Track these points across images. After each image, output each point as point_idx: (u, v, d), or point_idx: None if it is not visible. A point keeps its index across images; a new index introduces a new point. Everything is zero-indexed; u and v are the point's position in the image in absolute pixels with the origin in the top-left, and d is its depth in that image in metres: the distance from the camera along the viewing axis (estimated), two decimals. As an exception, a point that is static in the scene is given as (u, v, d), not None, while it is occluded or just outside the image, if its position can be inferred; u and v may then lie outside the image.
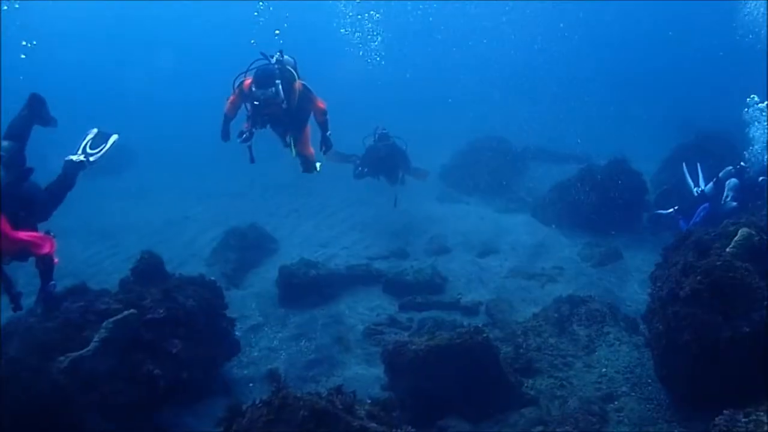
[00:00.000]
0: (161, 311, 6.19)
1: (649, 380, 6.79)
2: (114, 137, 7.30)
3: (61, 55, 36.89)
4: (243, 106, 8.43)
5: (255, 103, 8.02)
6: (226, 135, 8.68)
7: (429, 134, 21.20)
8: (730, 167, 10.94)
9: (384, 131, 13.12)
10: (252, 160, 8.64)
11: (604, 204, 12.83)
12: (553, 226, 13.33)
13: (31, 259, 5.89)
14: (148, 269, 7.12)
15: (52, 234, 5.95)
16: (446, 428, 5.88)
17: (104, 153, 7.13)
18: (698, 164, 12.15)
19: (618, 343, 7.58)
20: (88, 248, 14.29)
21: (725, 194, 10.55)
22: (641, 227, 13.02)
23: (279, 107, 8.02)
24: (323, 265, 10.78)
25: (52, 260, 5.89)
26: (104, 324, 5.68)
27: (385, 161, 13.01)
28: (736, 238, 6.03)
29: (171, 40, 42.51)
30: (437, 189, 17.28)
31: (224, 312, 7.43)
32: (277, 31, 14.64)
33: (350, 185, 14.35)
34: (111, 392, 5.51)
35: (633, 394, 6.66)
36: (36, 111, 6.39)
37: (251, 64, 8.24)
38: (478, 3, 34.54)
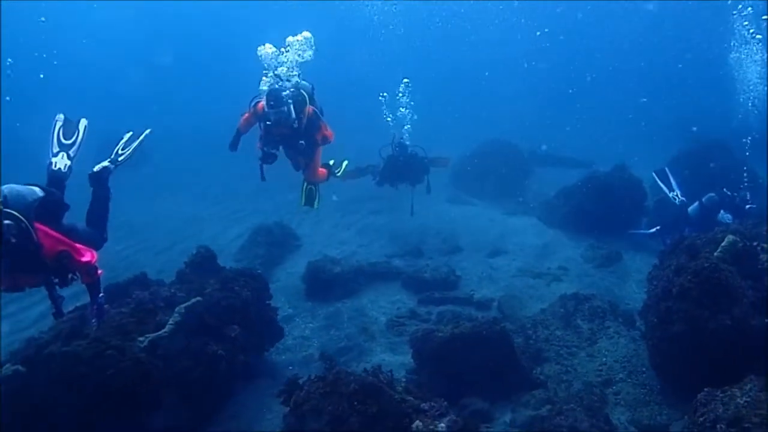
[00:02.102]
0: (222, 299, 7.08)
1: (644, 369, 7.67)
2: (147, 132, 6.85)
3: (79, 53, 37.59)
4: (257, 125, 8.66)
5: (267, 122, 8.27)
6: (234, 147, 8.86)
7: (439, 137, 21.91)
8: (713, 194, 11.26)
9: (401, 140, 13.08)
10: (263, 178, 8.90)
11: (606, 209, 13.60)
12: (558, 229, 14.13)
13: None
14: (204, 262, 8.02)
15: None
16: (467, 405, 6.74)
17: (132, 153, 6.68)
18: (666, 168, 12.72)
19: (617, 336, 8.44)
20: (118, 243, 15.06)
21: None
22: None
23: (290, 128, 8.34)
24: (346, 261, 11.67)
25: (96, 271, 5.60)
26: (177, 309, 6.58)
27: (404, 171, 12.79)
28: (722, 244, 6.90)
29: (181, 36, 43.25)
30: (447, 192, 18.15)
31: (269, 302, 8.31)
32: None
33: (366, 187, 15.01)
34: (183, 369, 6.41)
35: (629, 380, 7.55)
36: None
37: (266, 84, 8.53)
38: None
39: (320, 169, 9.47)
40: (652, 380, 7.44)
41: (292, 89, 8.45)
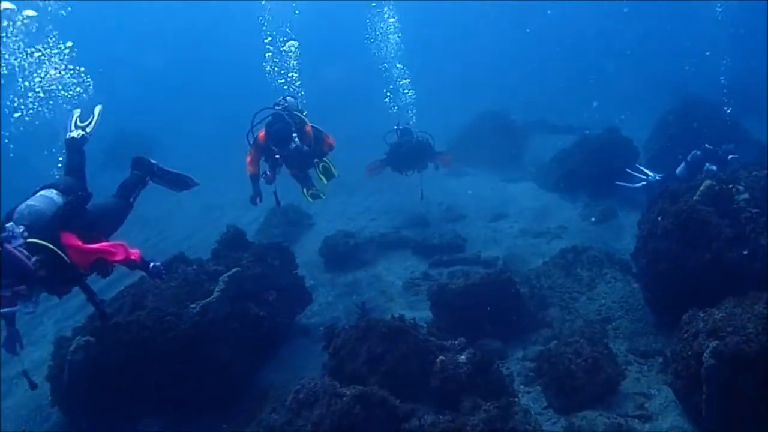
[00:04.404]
0: (258, 269, 7.95)
1: (639, 306, 8.56)
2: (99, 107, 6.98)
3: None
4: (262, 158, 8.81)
5: (276, 157, 8.58)
6: (256, 197, 8.89)
7: (432, 110, 22.46)
8: (697, 151, 11.72)
9: (406, 126, 12.93)
10: (278, 203, 9.33)
11: (599, 169, 14.34)
12: (555, 191, 14.91)
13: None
14: (234, 239, 8.88)
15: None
16: (483, 345, 7.60)
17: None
18: (636, 165, 13.30)
19: (614, 281, 9.29)
20: (139, 235, 15.89)
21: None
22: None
23: (299, 154, 8.70)
24: (359, 234, 12.54)
25: (136, 262, 5.78)
26: (220, 278, 7.45)
27: (409, 158, 12.46)
28: (700, 188, 7.73)
29: (182, 32, 43.75)
30: (446, 164, 18.91)
31: (296, 272, 9.17)
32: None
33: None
34: (231, 330, 7.29)
35: (626, 317, 8.44)
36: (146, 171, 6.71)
37: (256, 115, 8.75)
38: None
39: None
40: (647, 315, 8.33)
41: (287, 116, 8.68)
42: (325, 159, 9.49)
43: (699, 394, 5.62)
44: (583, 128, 19.36)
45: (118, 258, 5.55)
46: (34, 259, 4.89)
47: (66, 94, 9.00)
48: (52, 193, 5.58)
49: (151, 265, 5.95)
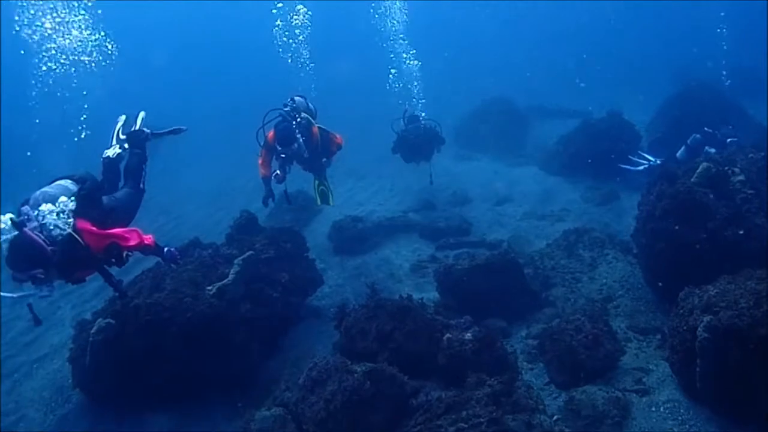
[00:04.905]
0: (271, 252, 8.26)
1: (640, 286, 8.83)
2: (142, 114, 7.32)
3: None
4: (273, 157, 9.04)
5: (282, 156, 8.85)
6: (269, 197, 9.14)
7: (438, 98, 22.66)
8: (697, 134, 11.89)
9: (414, 113, 13.00)
10: (289, 202, 9.83)
11: (601, 153, 14.50)
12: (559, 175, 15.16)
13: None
14: (247, 224, 9.20)
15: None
16: (488, 325, 7.88)
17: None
18: (638, 152, 13.58)
19: (615, 261, 9.58)
20: (153, 222, 16.18)
21: None
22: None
23: (303, 155, 9.07)
24: (367, 219, 12.83)
25: (149, 247, 5.83)
26: (236, 261, 7.76)
27: (416, 146, 12.48)
28: (697, 170, 7.96)
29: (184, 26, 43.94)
30: (452, 150, 19.07)
31: (306, 254, 9.48)
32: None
33: (375, 155, 15.92)
34: (246, 310, 7.61)
35: (627, 295, 8.71)
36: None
37: (266, 115, 8.99)
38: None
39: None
40: (647, 294, 8.60)
41: (295, 115, 8.97)
42: (325, 182, 9.88)
43: (694, 368, 5.90)
44: (586, 111, 19.55)
45: (132, 243, 5.62)
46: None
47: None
48: (67, 182, 5.75)
49: (166, 249, 6.07)
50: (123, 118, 7.23)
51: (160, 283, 7.78)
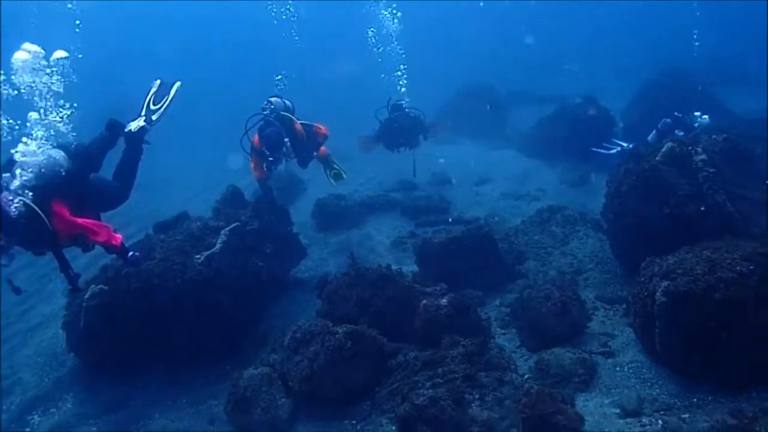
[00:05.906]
0: (256, 224, 8.60)
1: (608, 260, 9.28)
2: (177, 84, 7.42)
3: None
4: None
5: (270, 159, 9.14)
6: (268, 193, 9.70)
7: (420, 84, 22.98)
8: (667, 119, 12.29)
9: (398, 102, 13.17)
10: (273, 200, 9.95)
11: (577, 136, 15.03)
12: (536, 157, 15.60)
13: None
14: (233, 197, 9.52)
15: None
16: (464, 294, 8.28)
17: (168, 106, 7.28)
18: (612, 139, 13.98)
19: (586, 237, 10.03)
20: (141, 198, 16.31)
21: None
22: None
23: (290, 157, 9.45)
24: (350, 197, 13.18)
25: (115, 247, 5.87)
26: (222, 232, 8.10)
27: (400, 134, 12.75)
28: (662, 150, 8.39)
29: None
30: (432, 133, 19.52)
31: (290, 228, 9.83)
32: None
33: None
34: (233, 278, 7.95)
35: (596, 269, 9.16)
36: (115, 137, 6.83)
37: (248, 120, 9.32)
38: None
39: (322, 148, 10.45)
40: (616, 268, 9.05)
41: (275, 118, 9.25)
42: (334, 165, 10.45)
43: (654, 330, 6.35)
44: (563, 97, 19.96)
45: (100, 239, 5.72)
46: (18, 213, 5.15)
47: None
48: (60, 154, 5.86)
49: (130, 253, 6.11)
50: (158, 82, 7.30)
51: (150, 252, 8.08)
